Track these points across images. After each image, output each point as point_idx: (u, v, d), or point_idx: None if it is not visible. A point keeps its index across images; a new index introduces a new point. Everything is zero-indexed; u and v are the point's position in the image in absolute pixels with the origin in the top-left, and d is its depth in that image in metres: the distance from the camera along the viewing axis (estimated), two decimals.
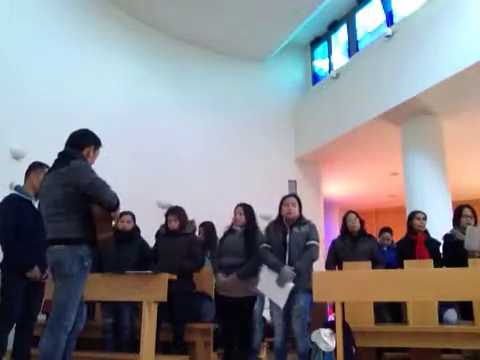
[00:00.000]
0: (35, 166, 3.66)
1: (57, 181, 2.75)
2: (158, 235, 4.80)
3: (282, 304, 3.58)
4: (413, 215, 4.63)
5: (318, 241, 3.75)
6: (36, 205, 3.54)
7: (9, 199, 3.56)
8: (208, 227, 5.19)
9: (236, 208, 4.17)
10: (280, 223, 3.85)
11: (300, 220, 3.83)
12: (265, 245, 3.82)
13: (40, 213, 3.39)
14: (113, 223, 2.89)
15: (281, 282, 3.59)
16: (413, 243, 4.44)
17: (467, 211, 4.31)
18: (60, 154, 2.88)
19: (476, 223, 4.27)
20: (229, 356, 3.99)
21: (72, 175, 2.70)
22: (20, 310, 3.41)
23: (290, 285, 3.57)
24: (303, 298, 3.58)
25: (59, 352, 2.60)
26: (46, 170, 3.53)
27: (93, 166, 2.97)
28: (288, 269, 3.59)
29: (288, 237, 3.73)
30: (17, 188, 3.61)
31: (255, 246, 3.93)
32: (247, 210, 4.14)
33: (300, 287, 3.59)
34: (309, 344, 3.45)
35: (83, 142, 2.91)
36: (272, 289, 3.66)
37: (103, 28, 7.45)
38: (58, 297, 2.69)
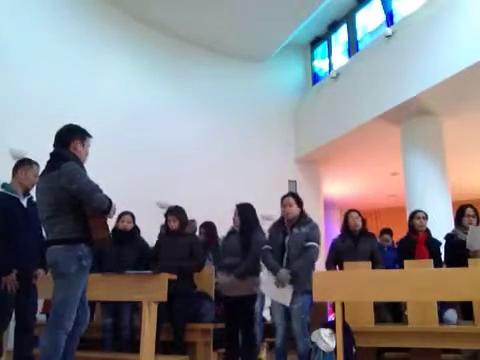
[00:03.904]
0: (22, 163, 3.58)
1: (50, 184, 2.76)
2: (160, 236, 4.78)
3: (287, 302, 3.58)
4: (413, 214, 4.63)
5: (318, 242, 3.71)
6: (25, 203, 3.47)
7: None
8: (209, 227, 5.18)
9: (235, 210, 4.17)
10: (281, 224, 3.85)
11: (301, 220, 3.79)
12: (266, 246, 3.82)
13: (28, 211, 3.37)
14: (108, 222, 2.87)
15: (278, 285, 3.61)
16: (414, 243, 4.43)
17: (469, 211, 4.30)
18: (51, 155, 2.87)
19: (478, 223, 4.25)
20: (231, 356, 4.00)
21: (63, 179, 2.70)
22: (16, 312, 3.37)
23: (289, 286, 3.58)
24: (301, 299, 3.58)
25: (59, 352, 2.59)
26: (34, 166, 3.51)
27: (90, 158, 2.98)
28: (284, 272, 3.59)
29: (287, 238, 3.72)
30: (4, 186, 3.49)
31: (251, 246, 3.94)
32: (242, 210, 4.13)
33: (298, 288, 3.58)
34: (309, 344, 3.45)
35: (68, 138, 2.89)
36: (274, 290, 3.68)
37: (103, 28, 7.44)
38: (57, 297, 2.69)
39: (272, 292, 3.74)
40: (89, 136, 3.00)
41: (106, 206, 2.72)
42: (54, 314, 2.66)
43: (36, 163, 3.55)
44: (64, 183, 2.69)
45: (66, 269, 2.67)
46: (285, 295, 3.59)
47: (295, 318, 3.58)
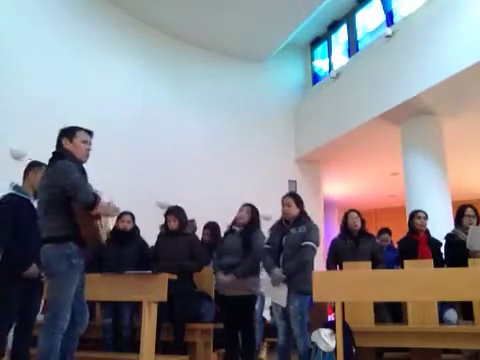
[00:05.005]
0: (33, 165, 3.67)
1: (45, 182, 2.81)
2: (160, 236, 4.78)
3: (284, 303, 3.59)
4: (414, 214, 4.62)
5: (316, 242, 3.69)
6: (35, 204, 3.55)
7: (7, 198, 3.56)
8: (213, 228, 5.18)
9: (243, 206, 4.18)
10: (281, 224, 3.87)
11: (300, 220, 3.79)
12: (266, 246, 3.85)
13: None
14: (105, 221, 2.85)
15: (273, 284, 3.63)
16: (415, 243, 4.42)
17: (469, 211, 4.29)
18: (52, 154, 2.92)
19: (478, 223, 4.25)
20: (231, 356, 4.00)
21: (56, 176, 2.75)
22: (18, 310, 3.41)
23: (283, 286, 3.59)
24: (297, 299, 3.58)
25: (55, 352, 2.58)
26: (43, 168, 3.56)
27: (89, 158, 2.97)
28: (277, 271, 3.61)
29: (285, 238, 3.73)
30: (16, 187, 3.61)
31: (252, 245, 3.94)
32: (253, 210, 4.16)
33: (293, 289, 3.59)
34: (309, 344, 3.46)
35: (59, 138, 2.93)
36: (272, 290, 3.69)
37: (103, 28, 7.44)
38: (50, 296, 2.70)
39: (270, 292, 3.77)
40: (82, 130, 2.97)
41: (90, 201, 2.68)
42: (48, 314, 2.67)
43: (46, 165, 3.60)
44: (56, 180, 2.73)
45: (56, 268, 2.67)
46: (282, 295, 3.60)
47: (292, 319, 3.58)
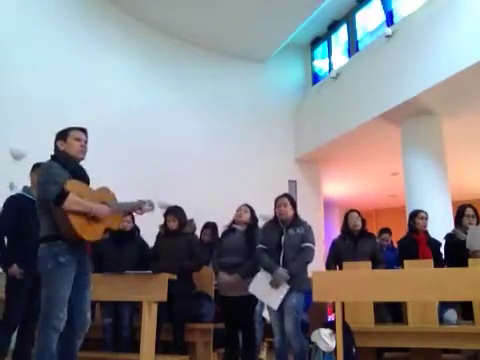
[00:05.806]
0: (37, 166, 3.67)
1: (37, 181, 2.86)
2: (159, 236, 4.78)
3: (276, 306, 3.57)
4: (415, 214, 4.61)
5: (314, 243, 3.73)
6: None
7: (13, 200, 3.61)
8: (213, 227, 5.18)
9: (241, 206, 4.20)
10: (276, 224, 3.85)
11: (295, 221, 3.80)
12: (260, 246, 3.81)
13: None
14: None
15: (275, 284, 3.60)
16: (415, 243, 4.42)
17: (469, 211, 4.29)
18: (50, 157, 2.94)
19: (478, 223, 4.25)
20: (231, 356, 4.00)
21: (39, 176, 2.80)
22: (23, 310, 3.42)
23: (285, 287, 3.57)
24: (295, 297, 3.58)
25: (49, 352, 2.56)
26: None
27: (90, 158, 2.98)
28: (282, 271, 3.59)
29: (283, 238, 3.72)
30: (24, 189, 3.66)
31: (255, 244, 3.94)
32: (252, 210, 4.20)
33: (294, 287, 3.59)
34: (304, 344, 3.46)
35: (55, 142, 2.95)
36: (266, 291, 3.64)
37: (103, 28, 7.45)
38: (43, 295, 2.69)
39: (263, 293, 3.71)
40: (74, 129, 2.94)
41: (51, 197, 2.63)
42: (42, 313, 2.65)
43: None
44: (38, 180, 2.78)
45: (44, 266, 2.67)
46: (276, 298, 3.58)
47: (287, 315, 3.55)
